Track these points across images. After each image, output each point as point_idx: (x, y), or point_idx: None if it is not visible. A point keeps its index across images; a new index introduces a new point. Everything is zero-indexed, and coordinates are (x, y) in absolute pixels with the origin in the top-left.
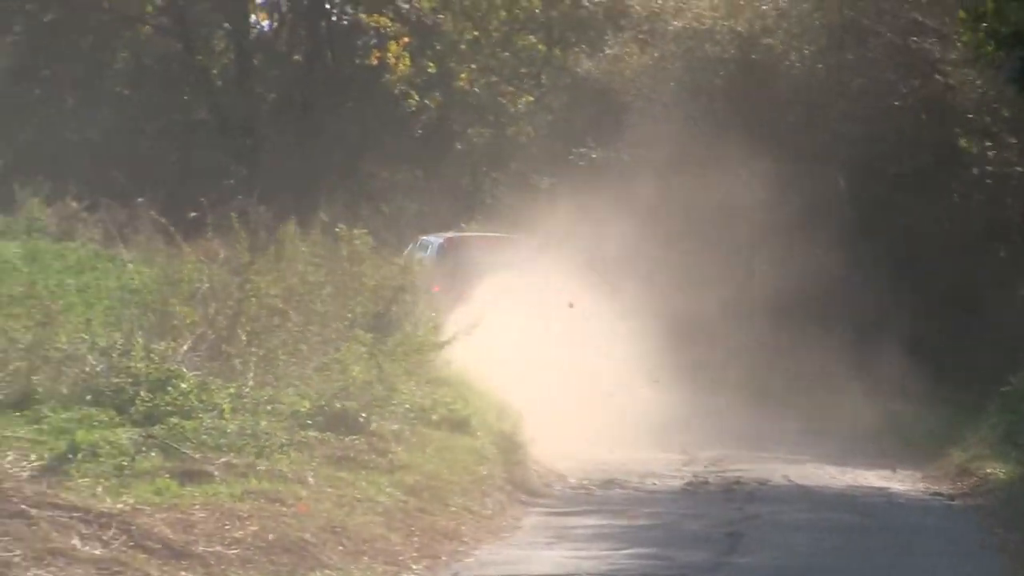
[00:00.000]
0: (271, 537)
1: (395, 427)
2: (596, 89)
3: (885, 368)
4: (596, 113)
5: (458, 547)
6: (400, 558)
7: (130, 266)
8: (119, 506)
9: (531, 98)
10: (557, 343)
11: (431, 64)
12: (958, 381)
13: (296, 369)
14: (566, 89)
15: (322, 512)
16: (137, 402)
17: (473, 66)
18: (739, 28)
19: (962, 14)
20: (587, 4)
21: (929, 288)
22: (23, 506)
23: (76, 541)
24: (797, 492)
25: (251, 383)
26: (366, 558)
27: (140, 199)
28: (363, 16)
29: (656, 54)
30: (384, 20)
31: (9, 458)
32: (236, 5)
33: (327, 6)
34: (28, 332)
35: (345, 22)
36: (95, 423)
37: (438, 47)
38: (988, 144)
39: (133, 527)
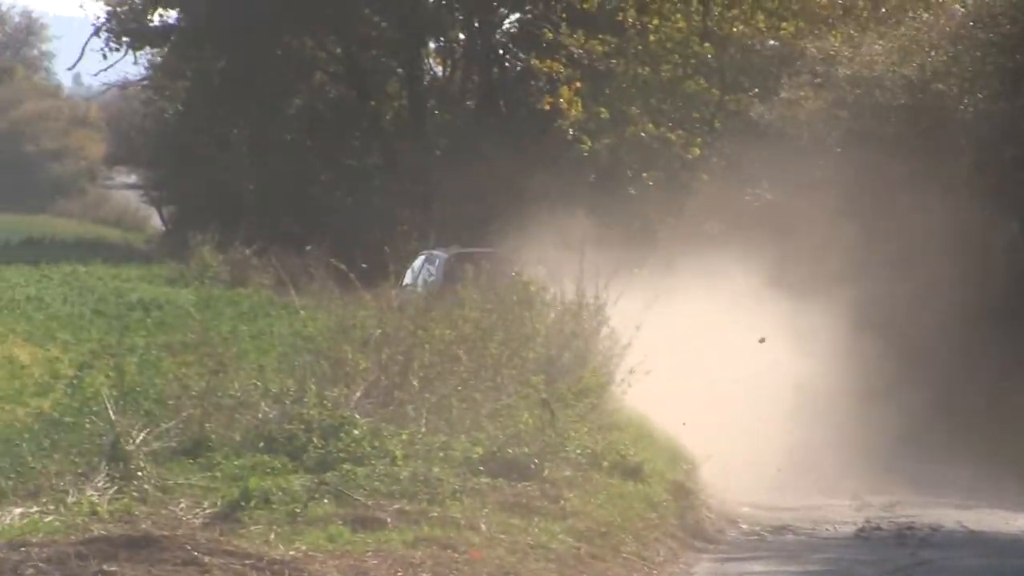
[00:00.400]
0: None
1: (567, 473)
2: (769, 133)
3: None
4: (769, 156)
5: None
6: None
7: (303, 312)
8: (291, 553)
9: (702, 142)
10: (733, 379)
11: (603, 110)
12: None
13: (468, 415)
14: (738, 133)
15: (495, 559)
16: (310, 449)
17: (640, 111)
18: (909, 74)
19: None
20: (759, 49)
21: None
22: (196, 553)
23: None
24: (970, 537)
25: (423, 429)
26: None
27: (309, 246)
28: (535, 61)
29: (830, 97)
30: (556, 65)
31: (182, 505)
32: (410, 51)
33: (500, 52)
34: (201, 379)
35: (518, 67)
36: (267, 470)
37: (607, 91)
38: None
39: (305, 574)
